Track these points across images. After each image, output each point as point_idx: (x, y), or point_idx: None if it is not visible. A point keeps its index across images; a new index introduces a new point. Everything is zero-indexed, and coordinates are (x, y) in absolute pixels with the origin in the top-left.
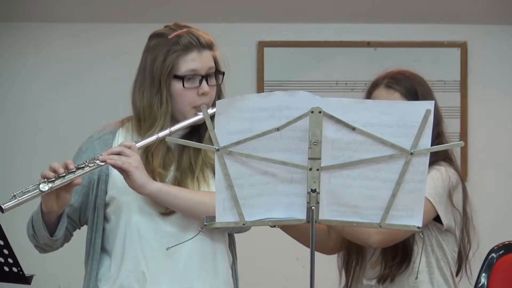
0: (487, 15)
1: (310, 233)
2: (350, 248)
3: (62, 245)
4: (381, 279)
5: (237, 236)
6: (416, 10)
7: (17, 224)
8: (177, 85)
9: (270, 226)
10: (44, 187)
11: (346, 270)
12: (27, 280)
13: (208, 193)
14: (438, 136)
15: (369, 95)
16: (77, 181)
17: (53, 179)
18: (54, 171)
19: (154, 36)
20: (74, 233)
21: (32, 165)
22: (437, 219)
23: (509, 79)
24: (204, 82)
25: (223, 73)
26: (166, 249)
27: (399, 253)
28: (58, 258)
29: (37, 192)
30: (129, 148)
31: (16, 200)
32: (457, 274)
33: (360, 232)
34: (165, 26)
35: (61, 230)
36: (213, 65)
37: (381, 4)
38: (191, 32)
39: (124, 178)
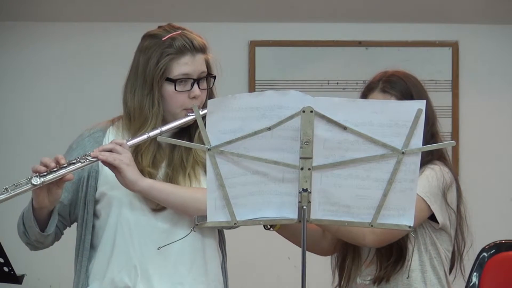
0: (479, 14)
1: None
2: (345, 248)
3: (52, 243)
4: (377, 280)
5: (227, 235)
6: (407, 9)
7: (8, 224)
8: (169, 88)
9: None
10: (36, 180)
11: (340, 269)
12: (18, 279)
13: (200, 189)
14: (432, 136)
15: (364, 98)
16: (69, 176)
17: (45, 173)
18: (46, 165)
19: (148, 36)
20: (65, 232)
21: (23, 163)
22: (432, 217)
23: (500, 79)
24: (195, 86)
25: (215, 77)
26: (158, 249)
27: (394, 252)
28: (49, 258)
29: (29, 186)
30: (120, 145)
31: (8, 193)
32: (449, 273)
33: (355, 232)
34: (159, 27)
35: (52, 225)
36: (205, 69)
37: (372, 3)
38: (185, 35)
39: (115, 175)
